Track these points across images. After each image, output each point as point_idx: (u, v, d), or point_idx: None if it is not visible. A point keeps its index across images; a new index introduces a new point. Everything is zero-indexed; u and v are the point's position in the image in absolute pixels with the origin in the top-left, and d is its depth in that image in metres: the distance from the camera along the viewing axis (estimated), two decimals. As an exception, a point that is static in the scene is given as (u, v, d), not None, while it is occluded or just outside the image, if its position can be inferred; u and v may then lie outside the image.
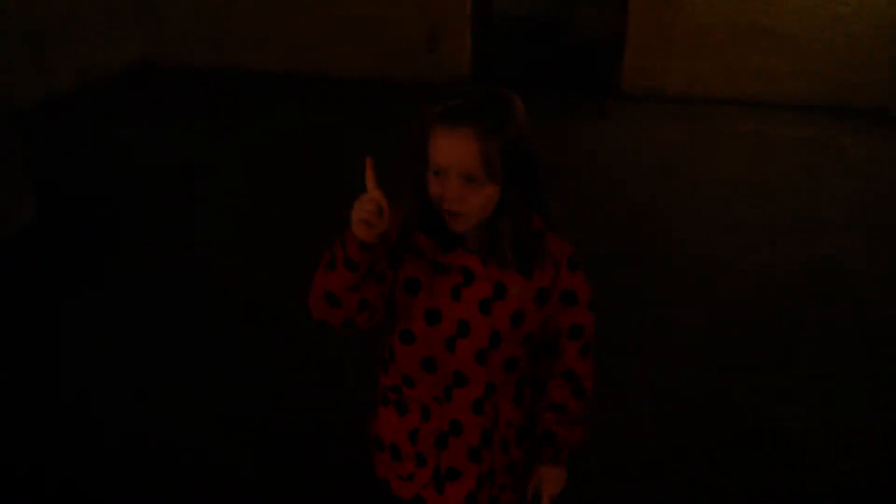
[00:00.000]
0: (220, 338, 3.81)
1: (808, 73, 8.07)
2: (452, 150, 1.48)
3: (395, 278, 1.62)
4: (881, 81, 7.89)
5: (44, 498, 2.83)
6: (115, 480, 2.91)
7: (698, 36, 8.18)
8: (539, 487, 1.80)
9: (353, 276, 1.48)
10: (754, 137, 7.12)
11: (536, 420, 1.77)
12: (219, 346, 3.75)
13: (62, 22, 7.86)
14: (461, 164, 1.48)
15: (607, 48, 9.00)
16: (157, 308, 4.08)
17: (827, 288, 4.39)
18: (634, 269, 4.55)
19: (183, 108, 7.74)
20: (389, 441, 1.77)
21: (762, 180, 6.03)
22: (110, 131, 6.89)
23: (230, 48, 9.05)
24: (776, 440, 3.16)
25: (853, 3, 7.76)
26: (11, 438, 3.11)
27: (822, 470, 3.00)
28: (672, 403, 3.37)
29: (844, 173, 6.26)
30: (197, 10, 9.02)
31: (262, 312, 4.01)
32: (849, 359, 3.73)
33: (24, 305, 4.07)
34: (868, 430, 3.23)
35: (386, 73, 8.77)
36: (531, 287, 1.63)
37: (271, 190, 5.64)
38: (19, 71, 7.27)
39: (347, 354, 3.23)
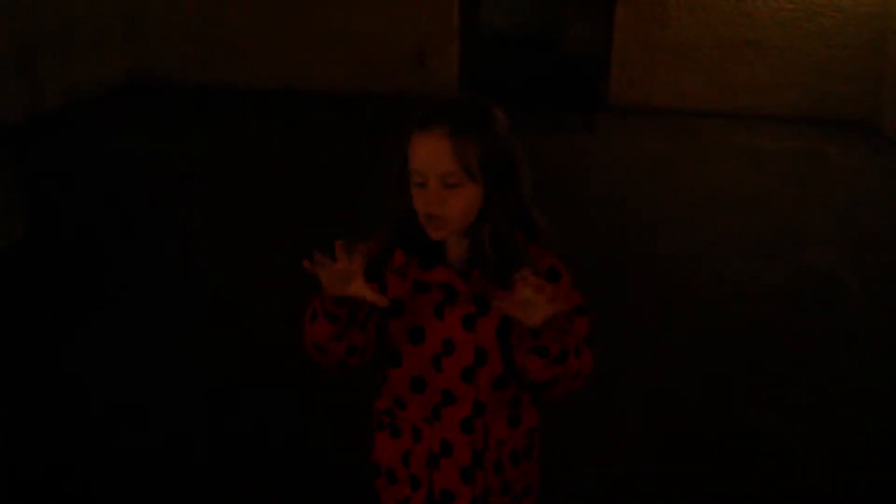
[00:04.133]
0: (218, 347, 3.82)
1: (793, 85, 8.15)
2: (427, 153, 1.49)
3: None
4: (866, 92, 7.97)
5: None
6: (116, 482, 2.90)
7: (684, 49, 8.25)
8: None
9: (335, 326, 1.53)
10: (740, 149, 7.18)
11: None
12: (216, 355, 3.75)
13: (51, 38, 7.87)
14: (437, 165, 1.48)
15: (595, 62, 9.07)
16: (152, 319, 4.06)
17: (813, 296, 4.41)
18: (623, 279, 4.57)
19: (172, 123, 7.75)
20: (386, 465, 1.77)
21: (749, 191, 6.07)
22: (99, 147, 6.89)
23: (219, 64, 9.07)
24: (762, 446, 3.16)
25: (837, 15, 7.85)
26: (8, 445, 3.11)
27: (806, 474, 3.01)
28: (660, 411, 3.37)
29: (830, 183, 6.31)
30: (185, 27, 9.04)
31: (259, 322, 4.02)
32: (834, 366, 3.74)
33: (14, 321, 4.06)
34: (852, 435, 3.25)
35: (375, 87, 8.81)
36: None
37: (264, 203, 5.64)
38: (8, 87, 7.27)
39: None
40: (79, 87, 8.31)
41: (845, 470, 3.05)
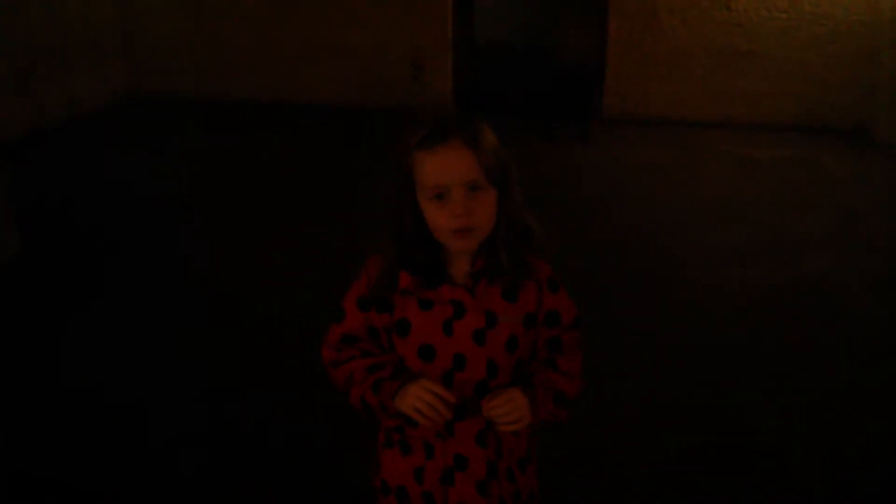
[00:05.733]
0: (218, 347, 3.84)
1: (787, 94, 8.19)
2: (449, 164, 1.52)
3: (389, 323, 1.65)
4: (859, 100, 8.01)
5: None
6: (115, 482, 2.91)
7: (678, 59, 8.30)
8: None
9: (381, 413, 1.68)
10: (735, 158, 7.20)
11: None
12: (216, 355, 3.77)
13: (49, 53, 7.90)
14: (462, 174, 1.52)
15: (589, 72, 9.11)
16: (153, 319, 4.08)
17: (810, 305, 4.40)
18: (621, 286, 4.57)
19: (170, 137, 7.76)
20: (395, 483, 1.74)
21: (744, 200, 6.09)
22: (98, 162, 6.90)
23: (216, 78, 9.10)
24: (760, 448, 3.16)
25: (830, 24, 7.91)
26: (10, 448, 3.11)
27: (804, 476, 3.01)
28: (658, 419, 3.36)
29: (826, 192, 6.33)
30: (183, 41, 9.08)
31: (259, 322, 4.06)
32: (831, 373, 3.72)
33: (13, 327, 4.06)
34: (850, 439, 3.24)
35: (370, 100, 8.84)
36: (519, 312, 1.65)
37: (261, 216, 5.65)
38: (6, 102, 7.28)
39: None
40: (77, 101, 8.32)
41: (844, 472, 3.04)
